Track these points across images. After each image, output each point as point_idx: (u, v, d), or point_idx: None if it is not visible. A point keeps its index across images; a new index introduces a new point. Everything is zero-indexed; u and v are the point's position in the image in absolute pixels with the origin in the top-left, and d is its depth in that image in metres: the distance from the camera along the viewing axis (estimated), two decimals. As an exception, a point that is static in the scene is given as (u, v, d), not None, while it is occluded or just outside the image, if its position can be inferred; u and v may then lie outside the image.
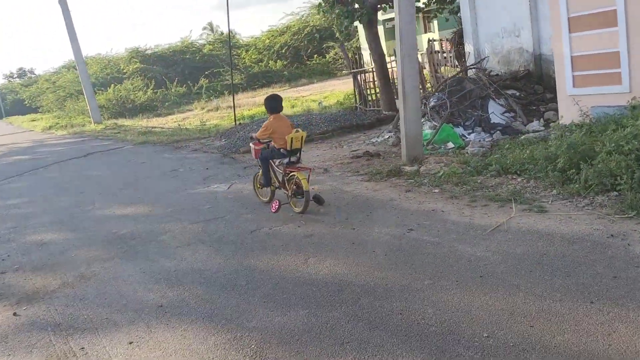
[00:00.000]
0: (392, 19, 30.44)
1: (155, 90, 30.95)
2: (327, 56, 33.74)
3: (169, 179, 10.02)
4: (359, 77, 16.00)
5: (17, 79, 66.16)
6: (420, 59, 14.27)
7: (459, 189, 6.35)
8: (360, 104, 15.89)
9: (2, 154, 19.66)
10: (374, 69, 14.55)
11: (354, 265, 4.66)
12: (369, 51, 31.26)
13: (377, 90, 15.15)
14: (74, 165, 13.76)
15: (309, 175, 6.46)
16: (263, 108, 21.54)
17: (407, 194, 6.56)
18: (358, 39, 32.55)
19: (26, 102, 45.99)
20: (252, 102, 25.35)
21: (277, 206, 6.68)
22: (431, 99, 9.97)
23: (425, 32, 29.09)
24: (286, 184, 6.66)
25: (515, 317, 3.43)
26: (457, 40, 12.40)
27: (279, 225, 6.19)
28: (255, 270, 4.96)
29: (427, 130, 9.38)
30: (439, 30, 28.03)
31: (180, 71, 34.95)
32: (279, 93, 26.95)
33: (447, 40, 13.25)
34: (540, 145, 7.19)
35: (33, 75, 63.94)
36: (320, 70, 33.27)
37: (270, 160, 6.80)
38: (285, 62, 34.09)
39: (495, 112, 9.25)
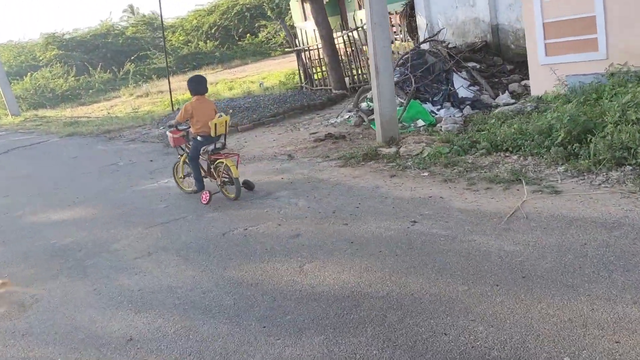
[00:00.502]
0: (327, -5, 29.52)
1: (77, 78, 28.57)
2: (260, 35, 32.40)
3: (109, 174, 8.81)
4: (303, 55, 15.13)
5: None
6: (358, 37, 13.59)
7: (450, 170, 5.71)
8: (305, 84, 15.05)
9: None
10: (321, 46, 13.69)
11: (363, 271, 3.90)
12: (303, 30, 30.32)
13: (324, 68, 14.36)
14: (-7, 163, 12.12)
15: (237, 161, 6.15)
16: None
17: (394, 180, 5.85)
18: (291, 16, 31.45)
19: None
20: (184, 86, 23.79)
21: (207, 197, 6.20)
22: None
23: (360, 8, 28.43)
24: (213, 173, 6.30)
25: (591, 329, 2.80)
26: (409, 13, 11.78)
27: (254, 224, 5.31)
28: (241, 284, 4.10)
29: (392, 108, 8.71)
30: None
31: (102, 56, 32.49)
32: (213, 75, 25.32)
33: (396, 13, 12.59)
34: (521, 118, 6.69)
35: None
36: (253, 50, 31.89)
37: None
38: (215, 43, 32.41)
39: (462, 86, 8.71)
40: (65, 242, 5.86)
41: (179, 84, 25.86)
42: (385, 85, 6.78)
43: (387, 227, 4.61)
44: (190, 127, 6.37)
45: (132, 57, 30.78)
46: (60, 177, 9.22)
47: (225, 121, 6.18)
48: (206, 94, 6.41)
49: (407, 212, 4.84)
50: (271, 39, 32.12)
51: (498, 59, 10.05)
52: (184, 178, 6.81)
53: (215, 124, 6.02)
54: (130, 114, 17.43)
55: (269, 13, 32.11)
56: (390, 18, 13.13)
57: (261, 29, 32.68)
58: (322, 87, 14.18)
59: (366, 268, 3.94)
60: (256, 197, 6.16)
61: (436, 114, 8.21)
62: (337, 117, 10.08)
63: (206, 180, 6.53)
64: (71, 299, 4.43)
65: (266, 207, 5.73)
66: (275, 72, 22.46)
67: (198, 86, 6.27)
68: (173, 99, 19.23)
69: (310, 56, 14.91)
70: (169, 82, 15.39)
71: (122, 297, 4.27)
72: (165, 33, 36.44)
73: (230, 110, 11.85)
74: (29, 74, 28.16)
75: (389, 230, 4.54)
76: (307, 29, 30.80)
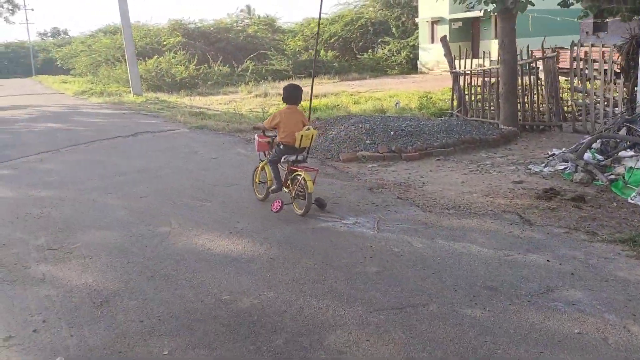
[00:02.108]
0: (460, 19, 27.03)
1: (197, 67, 27.68)
2: (381, 52, 30.33)
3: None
4: (461, 79, 12.83)
5: (50, 38, 62.79)
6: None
7: None
8: (457, 111, 12.74)
9: (31, 118, 16.50)
10: (498, 71, 11.26)
11: None
12: (430, 51, 28.02)
13: (488, 97, 11.99)
14: (122, 147, 10.60)
15: (314, 177, 5.75)
16: (326, 100, 18.43)
17: None
18: (416, 36, 29.25)
19: (58, 63, 42.84)
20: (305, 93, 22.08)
21: (279, 206, 5.81)
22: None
23: (496, 37, 25.74)
24: (289, 183, 5.94)
25: None
26: (632, 49, 9.18)
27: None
28: None
29: (647, 171, 6.21)
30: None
31: (222, 49, 31.66)
32: (330, 85, 23.53)
33: (614, 47, 9.95)
34: None
35: (67, 37, 60.56)
36: (372, 66, 29.92)
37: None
38: (336, 53, 30.68)
39: None
40: (244, 304, 3.84)
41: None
42: None
43: None
44: (277, 135, 5.98)
45: (252, 55, 29.60)
46: (204, 185, 7.37)
47: (312, 135, 5.80)
48: (298, 105, 6.08)
49: None
50: (390, 57, 30.01)
51: None
52: (259, 183, 6.44)
53: (302, 136, 5.66)
54: (256, 114, 15.73)
55: (394, 30, 30.05)
56: (582, 51, 10.51)
57: (382, 45, 30.63)
58: (480, 118, 11.82)
59: None
60: (529, 292, 3.85)
61: None
62: (543, 166, 7.65)
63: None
64: None
65: (570, 323, 3.42)
66: (400, 92, 20.24)
67: (294, 95, 5.93)
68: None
69: (470, 81, 12.56)
70: (312, 87, 13.31)
71: None
72: (284, 36, 35.31)
73: (392, 132, 9.71)
74: (155, 56, 27.52)
75: None
76: (433, 51, 28.45)
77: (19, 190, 7.49)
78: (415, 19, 29.16)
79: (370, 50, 30.50)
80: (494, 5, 9.98)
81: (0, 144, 11.74)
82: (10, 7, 25.27)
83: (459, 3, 11.14)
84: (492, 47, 26.10)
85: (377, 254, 4.66)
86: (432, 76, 26.53)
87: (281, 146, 5.86)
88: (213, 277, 4.33)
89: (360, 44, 31.46)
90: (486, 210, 5.83)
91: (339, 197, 6.53)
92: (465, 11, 26.87)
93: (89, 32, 44.29)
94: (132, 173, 8.18)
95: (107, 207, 6.46)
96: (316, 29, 33.55)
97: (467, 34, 27.51)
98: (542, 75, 11.57)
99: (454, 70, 13.10)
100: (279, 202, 5.80)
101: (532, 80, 11.28)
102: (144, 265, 4.65)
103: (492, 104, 12.00)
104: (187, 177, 7.80)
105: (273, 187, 6.08)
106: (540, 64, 11.66)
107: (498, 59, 11.20)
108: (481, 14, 12.26)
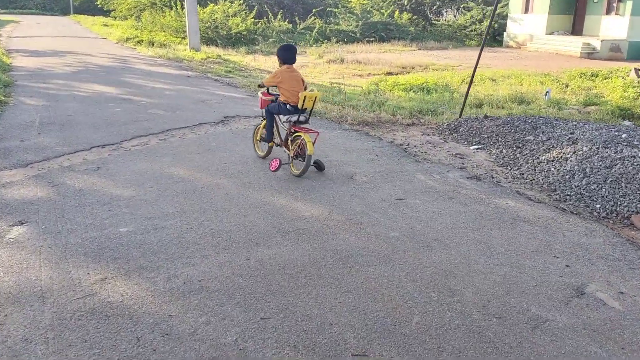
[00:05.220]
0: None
1: (255, 20, 22.96)
2: (462, 18, 25.22)
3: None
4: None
5: (89, -23, 57.15)
6: None
7: None
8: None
9: (74, 74, 12.17)
10: None
11: None
12: (521, 22, 22.46)
13: None
14: (219, 150, 6.31)
15: (315, 139, 5.28)
16: (424, 76, 13.86)
17: None
18: (506, 4, 24.05)
19: (98, 3, 37.91)
20: (381, 60, 17.44)
21: (277, 165, 5.40)
22: None
23: (608, 12, 20.62)
24: (289, 144, 5.44)
25: None
26: None
27: None
28: None
29: None
30: (631, 14, 19.56)
31: (280, 3, 26.74)
32: (409, 54, 18.43)
33: None
34: None
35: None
36: (449, 34, 24.94)
37: (276, 116, 5.61)
38: (412, 17, 25.62)
39: None
40: None
41: (374, 55, 19.46)
42: None
43: None
44: (280, 94, 5.38)
45: (315, 11, 24.70)
46: (457, 305, 3.16)
47: (315, 97, 5.27)
48: (294, 64, 5.37)
49: None
50: (470, 26, 24.93)
51: None
52: (260, 141, 5.92)
53: (305, 97, 5.18)
54: (363, 92, 11.27)
55: (477, -5, 24.84)
56: None
57: (463, 10, 25.50)
58: None
59: None
60: None
61: None
62: None
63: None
64: None
65: None
66: (513, 71, 15.33)
67: (289, 55, 5.37)
68: (395, 82, 12.91)
69: None
70: (477, 62, 8.67)
71: None
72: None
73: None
74: (210, 5, 22.75)
75: None
76: (525, 23, 23.29)
77: (55, 264, 3.36)
78: (508, -17, 23.89)
79: (451, 16, 25.43)
80: None
81: (29, 119, 7.55)
82: None
83: None
84: (601, 24, 21.01)
85: None
86: (527, 52, 21.61)
87: (287, 106, 5.35)
88: None
89: (435, 7, 26.30)
90: None
91: None
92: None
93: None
94: (280, 235, 3.99)
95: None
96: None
97: (570, 6, 22.33)
98: None
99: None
100: (276, 160, 5.43)
101: None
102: None
103: None
104: (402, 270, 3.58)
105: (263, 136, 5.69)
106: None
107: None
108: None
